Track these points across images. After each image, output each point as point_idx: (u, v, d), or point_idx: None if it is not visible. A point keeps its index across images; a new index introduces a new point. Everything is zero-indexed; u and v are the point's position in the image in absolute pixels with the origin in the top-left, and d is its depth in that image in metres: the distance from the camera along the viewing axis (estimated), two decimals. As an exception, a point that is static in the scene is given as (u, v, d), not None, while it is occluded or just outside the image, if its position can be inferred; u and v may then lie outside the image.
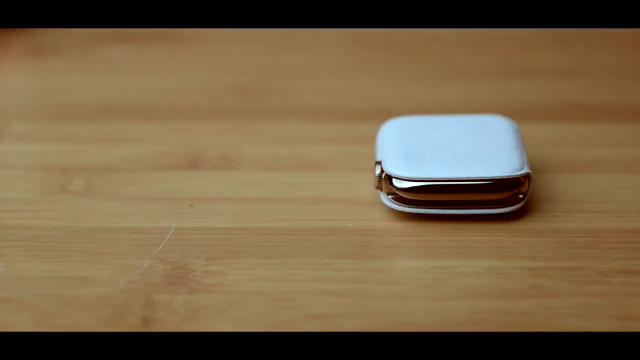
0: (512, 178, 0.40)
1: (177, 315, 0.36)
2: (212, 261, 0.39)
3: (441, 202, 0.41)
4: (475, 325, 0.36)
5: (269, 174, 0.44)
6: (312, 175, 0.45)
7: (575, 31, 0.57)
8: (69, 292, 0.37)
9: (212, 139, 0.46)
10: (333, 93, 0.52)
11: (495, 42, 0.57)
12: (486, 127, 0.44)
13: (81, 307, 0.37)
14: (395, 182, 0.41)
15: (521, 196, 0.41)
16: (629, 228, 0.41)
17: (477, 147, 0.42)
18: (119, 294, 0.37)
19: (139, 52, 0.57)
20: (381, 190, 0.42)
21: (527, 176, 0.41)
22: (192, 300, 0.37)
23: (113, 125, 0.50)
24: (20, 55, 0.57)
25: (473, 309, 0.37)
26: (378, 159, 0.42)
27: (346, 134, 0.48)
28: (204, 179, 0.44)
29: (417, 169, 0.41)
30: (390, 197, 0.41)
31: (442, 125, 0.44)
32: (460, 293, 0.37)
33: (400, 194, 0.41)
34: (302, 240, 0.41)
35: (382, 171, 0.41)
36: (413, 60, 0.56)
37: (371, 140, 0.45)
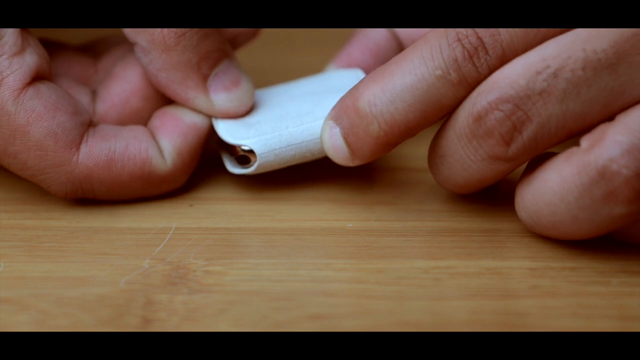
0: None
1: (177, 315, 0.36)
2: (212, 261, 0.39)
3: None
4: (474, 325, 0.36)
5: (269, 173, 0.44)
6: (312, 175, 0.45)
7: None
8: (69, 292, 0.37)
9: (211, 139, 0.46)
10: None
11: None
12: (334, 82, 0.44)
13: (80, 307, 0.37)
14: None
15: None
16: (629, 228, 0.41)
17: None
18: (119, 294, 0.37)
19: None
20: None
21: None
22: (192, 300, 0.37)
23: (113, 125, 0.50)
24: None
25: (473, 309, 0.36)
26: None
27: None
28: (204, 179, 0.44)
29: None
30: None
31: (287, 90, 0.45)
32: (459, 293, 0.37)
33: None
34: (301, 241, 0.41)
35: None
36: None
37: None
